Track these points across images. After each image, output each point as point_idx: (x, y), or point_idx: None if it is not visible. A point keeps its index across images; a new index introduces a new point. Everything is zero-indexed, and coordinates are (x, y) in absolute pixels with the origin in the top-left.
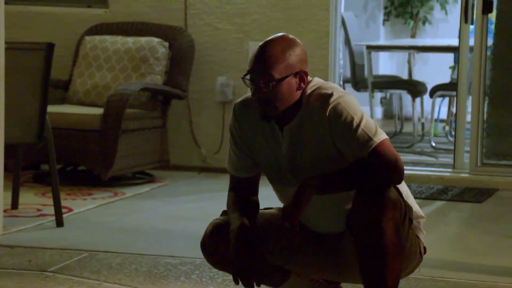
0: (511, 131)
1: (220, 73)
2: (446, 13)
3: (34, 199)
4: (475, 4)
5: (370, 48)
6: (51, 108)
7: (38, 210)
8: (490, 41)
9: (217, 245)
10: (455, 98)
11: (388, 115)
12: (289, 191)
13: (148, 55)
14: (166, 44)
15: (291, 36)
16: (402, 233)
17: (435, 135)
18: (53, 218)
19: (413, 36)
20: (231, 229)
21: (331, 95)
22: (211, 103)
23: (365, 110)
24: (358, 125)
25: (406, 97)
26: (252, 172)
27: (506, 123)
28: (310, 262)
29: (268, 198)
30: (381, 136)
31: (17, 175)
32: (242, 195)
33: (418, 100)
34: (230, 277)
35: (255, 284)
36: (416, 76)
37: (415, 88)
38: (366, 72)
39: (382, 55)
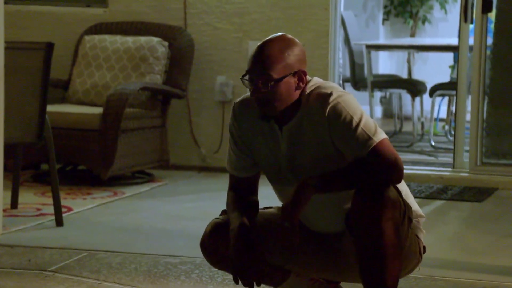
0: (510, 130)
1: (220, 72)
2: (445, 12)
3: (33, 199)
4: (474, 3)
5: (370, 47)
6: (50, 108)
7: (38, 209)
8: (489, 40)
9: (217, 244)
10: (454, 97)
11: (387, 114)
12: (288, 191)
13: (148, 54)
14: (166, 43)
15: (289, 36)
16: (402, 232)
17: (435, 135)
18: (53, 217)
19: (412, 35)
20: (231, 229)
21: (330, 94)
22: (211, 102)
23: (365, 110)
24: (358, 124)
25: (406, 97)
26: (251, 172)
27: (505, 122)
28: (310, 262)
29: (268, 198)
30: (381, 135)
31: (17, 174)
32: (242, 194)
33: (417, 99)
34: (230, 276)
35: (254, 283)
36: (416, 76)
37: (414, 88)
38: (365, 72)
39: (382, 55)
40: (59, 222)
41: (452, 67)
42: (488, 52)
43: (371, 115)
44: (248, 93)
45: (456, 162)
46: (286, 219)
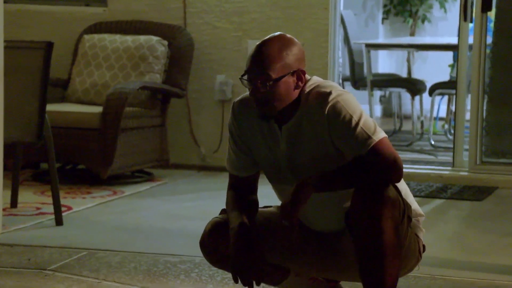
0: (510, 129)
1: (219, 71)
2: (445, 11)
3: (33, 198)
4: (474, 2)
5: (369, 46)
6: (50, 107)
7: (38, 208)
8: (489, 39)
9: (216, 243)
10: (454, 96)
11: (387, 113)
12: (288, 190)
13: (147, 53)
14: (165, 42)
15: (288, 35)
16: (401, 231)
17: (434, 133)
18: (53, 216)
19: (412, 34)
20: (231, 228)
21: (329, 93)
22: (210, 101)
23: (365, 109)
24: (357, 123)
25: (405, 96)
26: (251, 171)
27: (505, 121)
28: (309, 261)
29: (267, 197)
30: (380, 134)
31: (17, 173)
32: (241, 193)
33: (417, 98)
34: (230, 275)
35: (254, 283)
36: (415, 75)
37: (414, 87)
38: (365, 71)
39: (381, 54)
40: (59, 221)
41: (452, 66)
42: (488, 51)
43: (371, 114)
44: (247, 92)
45: (456, 161)
46: (285, 218)
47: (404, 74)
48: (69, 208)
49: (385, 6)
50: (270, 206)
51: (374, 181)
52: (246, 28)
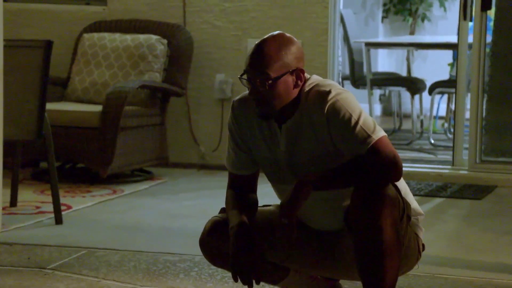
0: (510, 128)
1: (219, 70)
2: (445, 10)
3: (33, 197)
4: (474, 1)
5: (369, 45)
6: (49, 106)
7: (37, 207)
8: (489, 38)
9: (216, 242)
10: (454, 95)
11: (387, 112)
12: (287, 189)
13: (147, 52)
14: (165, 41)
15: (287, 34)
16: (400, 230)
17: (434, 132)
18: (52, 215)
19: (412, 33)
20: (230, 227)
21: (329, 92)
22: (210, 100)
23: (364, 107)
24: (357, 122)
25: (405, 94)
26: (250, 170)
27: (505, 120)
28: (309, 260)
29: (267, 196)
30: (380, 133)
31: (16, 172)
32: (241, 192)
33: (417, 97)
34: (229, 274)
35: (254, 281)
36: (415, 73)
37: (414, 85)
38: (365, 69)
39: (381, 52)
40: (58, 220)
41: (452, 65)
42: (488, 50)
43: (370, 113)
44: (247, 91)
45: (456, 159)
46: (284, 216)
47: (403, 73)
48: (69, 207)
49: (385, 4)
50: (270, 205)
51: (374, 180)
52: (246, 27)
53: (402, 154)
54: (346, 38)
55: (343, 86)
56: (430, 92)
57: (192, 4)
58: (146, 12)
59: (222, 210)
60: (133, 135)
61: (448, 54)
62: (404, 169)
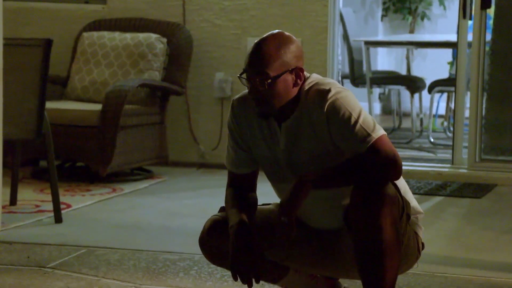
0: (509, 126)
1: (219, 69)
2: (444, 8)
3: (32, 195)
4: None
5: (369, 43)
6: (49, 105)
7: (37, 206)
8: (488, 37)
9: (216, 241)
10: (453, 93)
11: (386, 110)
12: (287, 188)
13: (146, 51)
14: (164, 40)
15: (286, 33)
16: (400, 228)
17: (434, 131)
18: (52, 214)
19: (411, 31)
20: (230, 226)
21: (329, 91)
22: (210, 99)
23: (364, 106)
24: (356, 121)
25: (405, 93)
26: (250, 169)
27: (504, 118)
28: (308, 258)
29: (267, 195)
30: (379, 132)
31: (16, 171)
32: (241, 191)
33: (416, 95)
34: (229, 273)
35: (253, 280)
36: (415, 72)
37: (413, 84)
38: (364, 68)
39: (381, 51)
40: (58, 219)
41: (451, 64)
42: (487, 48)
43: (370, 112)
44: (247, 90)
45: (455, 158)
46: (283, 214)
47: (403, 72)
48: (68, 206)
49: (384, 3)
50: (269, 204)
51: (373, 179)
52: (246, 25)
53: (401, 153)
54: (345, 37)
55: (342, 84)
56: (429, 91)
57: (192, 2)
58: (145, 11)
59: (222, 209)
60: (133, 134)
61: (447, 53)
62: (403, 167)
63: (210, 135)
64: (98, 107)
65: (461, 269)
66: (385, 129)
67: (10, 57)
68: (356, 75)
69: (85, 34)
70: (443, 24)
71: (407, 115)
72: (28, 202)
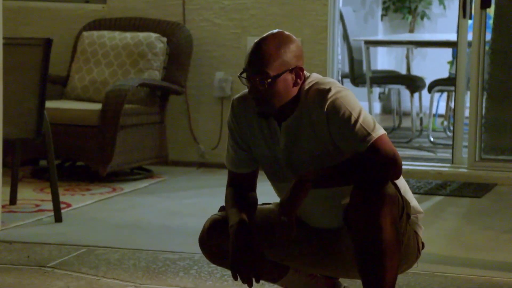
0: (509, 126)
1: (218, 68)
2: (444, 8)
3: (32, 195)
4: None
5: (369, 43)
6: (49, 104)
7: (37, 205)
8: (488, 36)
9: (216, 240)
10: (453, 93)
11: (386, 110)
12: (286, 187)
13: (146, 50)
14: (164, 39)
15: (286, 32)
16: (400, 228)
17: (434, 130)
18: (52, 213)
19: (411, 31)
20: (230, 225)
21: (329, 90)
22: (209, 98)
23: (364, 105)
24: (356, 120)
25: (405, 92)
26: (250, 168)
27: (504, 118)
28: (308, 258)
29: (266, 194)
30: (379, 131)
31: (16, 170)
32: (240, 191)
33: (416, 95)
34: (229, 272)
35: (253, 280)
36: (415, 71)
37: (413, 83)
38: (364, 67)
39: (381, 50)
40: (58, 218)
41: (451, 63)
42: (487, 47)
43: (370, 111)
44: (247, 89)
45: (455, 157)
46: (283, 214)
47: (403, 71)
48: (68, 205)
49: (384, 2)
50: (269, 203)
51: (373, 178)
52: (245, 24)
53: (401, 152)
54: (345, 36)
55: (342, 84)
56: (429, 90)
57: (192, 2)
58: (145, 10)
59: (222, 208)
60: (133, 133)
61: (447, 52)
62: (403, 167)
63: (210, 134)
64: (98, 106)
65: (461, 269)
66: (385, 129)
67: (10, 56)
68: (356, 75)
69: (85, 34)
70: (443, 23)
71: (407, 114)
72: (28, 202)
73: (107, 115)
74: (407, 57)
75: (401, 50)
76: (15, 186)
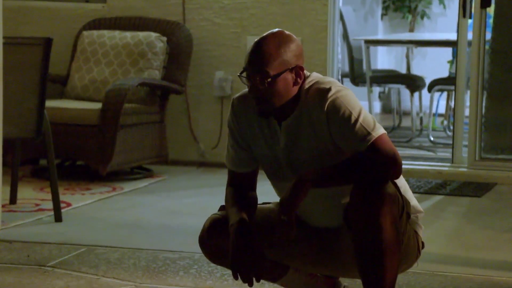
0: (509, 125)
1: (218, 67)
2: (444, 7)
3: (32, 194)
4: None
5: (369, 42)
6: (49, 103)
7: (37, 205)
8: (488, 35)
9: (216, 240)
10: (453, 92)
11: (386, 109)
12: (286, 186)
13: (146, 50)
14: (164, 39)
15: (286, 31)
16: (400, 227)
17: (434, 130)
18: (52, 213)
19: (411, 30)
20: (230, 224)
21: (329, 89)
22: (209, 98)
23: (364, 105)
24: (357, 119)
25: (405, 92)
26: (250, 167)
27: (504, 117)
28: (308, 257)
29: (266, 194)
30: (379, 130)
31: (16, 170)
32: (241, 190)
33: (416, 94)
34: (229, 271)
35: (254, 279)
36: (415, 71)
37: (413, 83)
38: (364, 67)
39: (381, 50)
40: (58, 218)
41: (451, 62)
42: (487, 47)
43: (370, 111)
44: (247, 89)
45: (455, 157)
46: (283, 213)
47: (403, 70)
48: (68, 205)
49: (384, 2)
50: (269, 203)
51: (373, 178)
52: (245, 24)
53: (401, 152)
54: (345, 35)
55: (342, 83)
56: (429, 90)
57: (192, 1)
58: (145, 10)
59: (222, 208)
60: (133, 133)
61: (447, 52)
62: (403, 166)
63: (210, 134)
64: (98, 106)
65: (461, 268)
66: (385, 128)
67: (10, 56)
68: (356, 74)
69: (85, 33)
70: (443, 22)
71: (407, 114)
72: (28, 201)
73: (107, 115)
74: (407, 57)
75: (401, 50)
76: (15, 186)
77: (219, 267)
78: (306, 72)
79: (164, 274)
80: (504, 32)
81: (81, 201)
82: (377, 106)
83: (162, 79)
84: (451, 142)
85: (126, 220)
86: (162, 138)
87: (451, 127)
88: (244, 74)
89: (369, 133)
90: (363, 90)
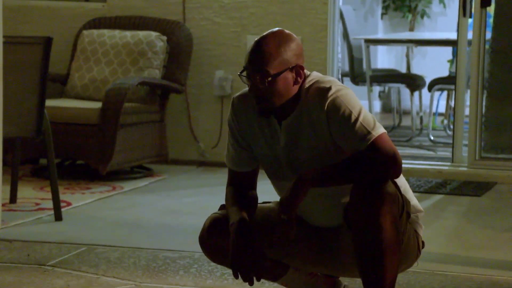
0: (509, 124)
1: (218, 67)
2: (444, 6)
3: (32, 193)
4: None
5: (369, 41)
6: (49, 103)
7: (37, 204)
8: (488, 35)
9: (216, 239)
10: (453, 91)
11: (386, 108)
12: (287, 185)
13: (146, 49)
14: (164, 38)
15: (286, 31)
16: (400, 227)
17: (434, 129)
18: (52, 212)
19: (411, 29)
20: (230, 224)
21: (329, 89)
22: (209, 97)
23: (364, 104)
24: (357, 119)
25: (405, 91)
26: (250, 167)
27: (504, 116)
28: (308, 256)
29: (267, 193)
30: (379, 130)
31: (16, 169)
32: (241, 189)
33: (416, 93)
34: (229, 271)
35: (254, 278)
36: (415, 70)
37: (413, 82)
38: (364, 66)
39: (381, 49)
40: (58, 217)
41: (451, 62)
42: (487, 46)
43: (370, 110)
44: (247, 88)
45: (455, 156)
46: (283, 212)
47: (403, 70)
48: (68, 204)
49: (384, 1)
50: (269, 202)
51: (373, 177)
52: (245, 23)
53: (401, 151)
54: (345, 35)
55: (342, 82)
56: (429, 89)
57: (192, 0)
58: (145, 9)
59: (222, 207)
60: (133, 132)
61: (447, 51)
62: (403, 165)
63: (210, 133)
64: (98, 105)
65: (461, 267)
66: (385, 127)
67: (10, 55)
68: (356, 73)
69: (85, 32)
70: (443, 22)
71: (407, 113)
72: (28, 200)
73: (107, 114)
74: (407, 56)
75: (401, 49)
76: (15, 185)
77: (219, 266)
78: (306, 71)
79: (164, 273)
80: (504, 32)
81: (81, 200)
82: (377, 105)
83: (162, 78)
84: (451, 141)
85: (126, 219)
86: (162, 138)
87: (451, 127)
88: (244, 73)
89: (369, 132)
90: (363, 89)
